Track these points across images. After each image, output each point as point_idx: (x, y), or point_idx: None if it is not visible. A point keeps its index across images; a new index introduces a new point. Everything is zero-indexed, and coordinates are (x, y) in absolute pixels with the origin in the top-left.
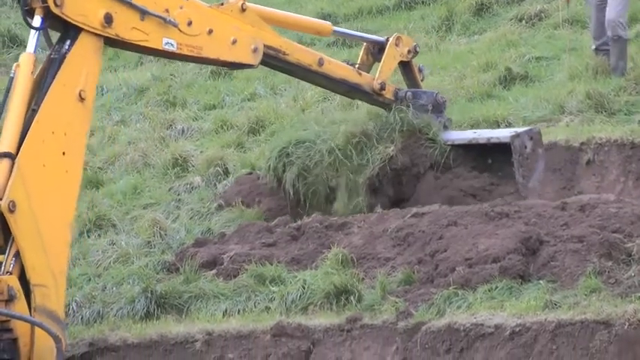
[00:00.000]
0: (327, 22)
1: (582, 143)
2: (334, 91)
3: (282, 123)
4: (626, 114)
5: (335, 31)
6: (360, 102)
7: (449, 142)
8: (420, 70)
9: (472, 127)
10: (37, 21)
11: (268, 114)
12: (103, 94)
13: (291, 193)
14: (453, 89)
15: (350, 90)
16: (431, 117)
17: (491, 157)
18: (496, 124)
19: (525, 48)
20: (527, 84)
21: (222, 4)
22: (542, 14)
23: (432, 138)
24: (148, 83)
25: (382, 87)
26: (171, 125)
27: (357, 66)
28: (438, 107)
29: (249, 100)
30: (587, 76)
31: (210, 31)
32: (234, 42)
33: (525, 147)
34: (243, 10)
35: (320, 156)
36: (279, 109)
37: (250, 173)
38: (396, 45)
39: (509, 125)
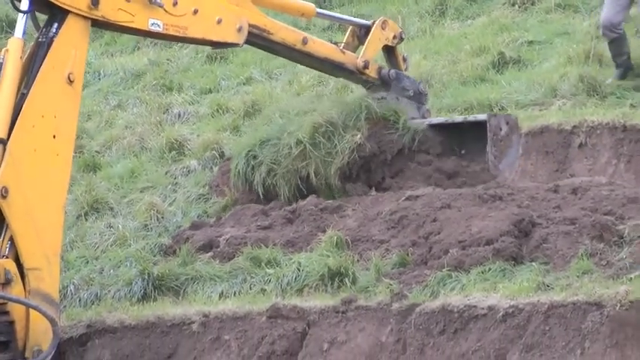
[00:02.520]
0: (311, 4)
1: (574, 126)
2: (318, 69)
3: (277, 106)
4: (618, 97)
5: (319, 13)
6: (355, 86)
7: (426, 123)
8: (405, 60)
9: (466, 110)
10: (24, 4)
11: (264, 98)
12: (100, 79)
13: (261, 193)
14: (447, 73)
15: (334, 68)
16: (409, 103)
17: (464, 143)
18: (489, 108)
19: (518, 32)
20: (520, 68)
21: None
22: None
23: (399, 125)
24: (145, 68)
25: (365, 65)
26: (167, 109)
27: (341, 46)
28: (419, 97)
29: (244, 84)
30: (580, 60)
31: (196, 11)
32: (219, 21)
33: (500, 129)
34: None
35: (288, 149)
36: (274, 93)
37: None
38: (382, 28)
39: (502, 109)
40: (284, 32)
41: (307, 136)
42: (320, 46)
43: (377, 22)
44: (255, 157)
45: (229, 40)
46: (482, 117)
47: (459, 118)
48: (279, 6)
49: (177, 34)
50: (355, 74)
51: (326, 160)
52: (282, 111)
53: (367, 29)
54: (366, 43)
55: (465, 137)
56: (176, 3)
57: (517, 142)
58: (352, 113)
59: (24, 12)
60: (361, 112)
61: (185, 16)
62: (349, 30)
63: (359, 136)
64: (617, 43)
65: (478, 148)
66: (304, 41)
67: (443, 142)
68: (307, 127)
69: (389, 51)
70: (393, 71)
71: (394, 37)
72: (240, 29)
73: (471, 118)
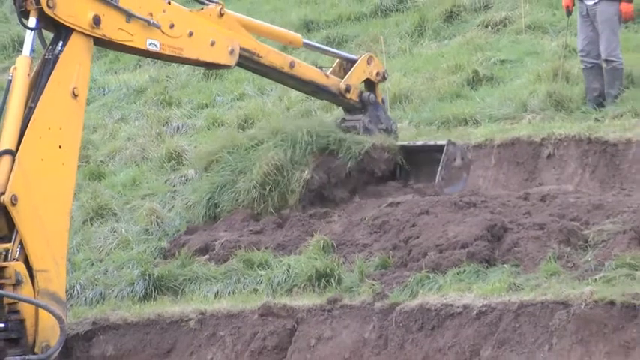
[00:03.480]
0: (298, 35)
1: (543, 139)
2: (303, 91)
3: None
4: (583, 112)
5: (305, 44)
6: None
7: (397, 144)
8: (383, 102)
9: (443, 124)
10: (32, 22)
11: (256, 112)
12: (104, 94)
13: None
14: (425, 89)
15: (318, 91)
16: (377, 131)
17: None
18: (464, 122)
19: (491, 52)
20: (493, 85)
21: (202, 8)
22: (507, 21)
23: (342, 152)
24: (146, 84)
25: (348, 89)
26: (167, 123)
27: (328, 71)
28: (389, 133)
29: (238, 99)
30: (548, 78)
31: (191, 34)
32: (212, 44)
33: (455, 158)
34: (221, 15)
35: (245, 194)
36: (265, 108)
37: None
38: (368, 63)
39: (476, 122)
40: (272, 56)
41: (259, 182)
42: (306, 69)
43: (364, 56)
44: (216, 206)
45: (221, 62)
46: (442, 142)
47: (419, 141)
48: (269, 34)
49: (173, 54)
50: (338, 97)
51: (281, 197)
52: (234, 147)
53: (353, 62)
54: (351, 70)
55: (423, 159)
56: (172, 25)
57: (464, 179)
58: (299, 149)
59: (31, 29)
60: (307, 148)
61: (181, 37)
62: (337, 61)
63: (306, 172)
64: (585, 73)
65: (432, 170)
66: (291, 64)
67: (387, 162)
68: (259, 174)
69: (370, 86)
70: (372, 95)
71: (377, 74)
72: (232, 52)
73: (431, 142)
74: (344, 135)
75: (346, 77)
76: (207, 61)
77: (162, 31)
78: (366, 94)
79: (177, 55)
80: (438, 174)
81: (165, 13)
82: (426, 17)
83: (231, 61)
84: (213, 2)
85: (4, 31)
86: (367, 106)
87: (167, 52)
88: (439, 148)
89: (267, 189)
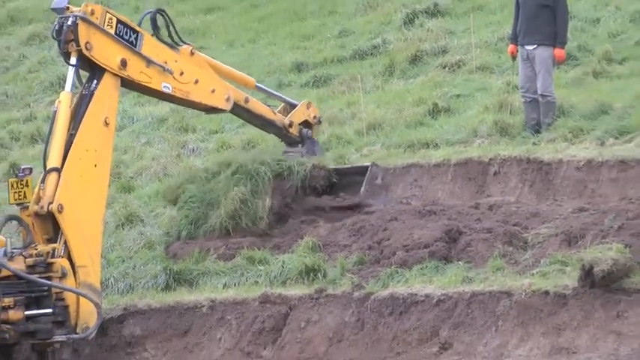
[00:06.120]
0: (252, 79)
1: (490, 159)
2: (253, 124)
3: (267, 144)
4: (523, 137)
5: (258, 87)
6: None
7: (330, 167)
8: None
9: (409, 147)
10: (73, 60)
11: (256, 137)
12: (133, 123)
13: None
14: (394, 118)
15: (266, 124)
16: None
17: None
18: (427, 145)
19: (448, 88)
20: (450, 115)
21: (178, 49)
22: (461, 63)
23: (290, 174)
24: (167, 114)
25: (290, 125)
26: (184, 145)
27: (277, 110)
28: None
29: (242, 126)
30: (495, 109)
31: (197, 81)
32: (213, 91)
33: (377, 178)
34: (192, 54)
35: (219, 229)
36: (264, 133)
37: None
38: (307, 107)
39: (436, 145)
40: (233, 91)
41: (228, 218)
42: (257, 105)
43: (304, 101)
44: (192, 238)
45: (219, 106)
46: (367, 164)
47: (347, 165)
48: (228, 74)
49: (181, 96)
50: (282, 130)
51: (252, 223)
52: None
53: (295, 106)
54: (294, 111)
55: (353, 178)
56: (182, 73)
57: (384, 196)
58: (259, 180)
59: (72, 65)
60: (264, 178)
61: (189, 83)
62: (282, 105)
63: (267, 200)
64: (551, 105)
65: (358, 188)
66: (246, 100)
67: (324, 179)
68: (226, 213)
69: (308, 127)
70: (310, 131)
71: (314, 117)
72: (227, 99)
73: (357, 164)
74: (291, 161)
75: (289, 115)
76: (208, 104)
77: (174, 77)
78: (305, 130)
79: (185, 97)
80: (363, 187)
81: (177, 62)
82: (395, 60)
83: (227, 106)
84: (185, 44)
85: (52, 71)
86: (305, 140)
87: (177, 95)
88: (365, 169)
89: (237, 220)
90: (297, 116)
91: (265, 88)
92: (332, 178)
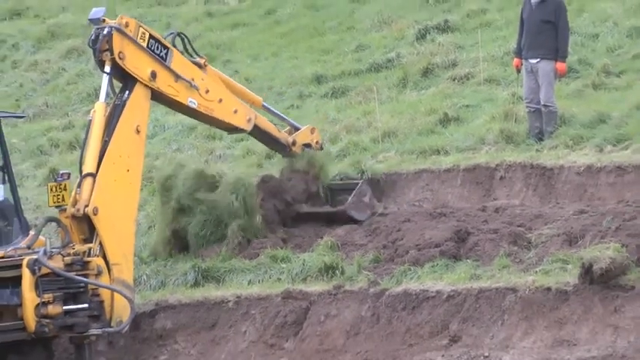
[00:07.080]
0: (259, 97)
1: (497, 165)
2: (260, 140)
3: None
4: (527, 144)
5: (264, 106)
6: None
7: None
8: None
9: (421, 153)
10: (107, 69)
11: None
12: (165, 130)
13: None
14: (408, 127)
15: (271, 141)
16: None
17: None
18: (437, 152)
19: (457, 99)
20: (459, 124)
21: (205, 69)
22: (469, 75)
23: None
24: (197, 123)
25: (294, 143)
26: (212, 152)
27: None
28: None
29: None
30: (501, 119)
31: (220, 100)
32: (235, 111)
33: (366, 194)
34: (204, 66)
35: (226, 244)
36: None
37: None
38: (311, 132)
39: (446, 152)
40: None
41: (231, 238)
42: (264, 122)
43: (308, 126)
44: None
45: (240, 126)
46: (358, 180)
47: (339, 181)
48: (238, 91)
49: (206, 112)
50: (286, 148)
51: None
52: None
53: (298, 129)
54: (299, 132)
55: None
56: (208, 91)
57: (368, 214)
58: (250, 192)
59: (106, 73)
60: (257, 193)
61: (213, 102)
62: (287, 127)
63: (262, 212)
64: (553, 114)
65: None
66: (255, 116)
67: (305, 190)
68: (233, 233)
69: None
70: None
71: (317, 143)
72: (249, 120)
73: (352, 181)
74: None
75: (294, 135)
76: (230, 123)
77: (199, 94)
78: (307, 149)
79: (209, 114)
80: (350, 199)
81: (203, 80)
82: (408, 72)
83: (248, 127)
84: (199, 56)
85: (89, 83)
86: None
87: (202, 110)
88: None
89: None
90: (301, 137)
91: (271, 108)
92: (326, 192)
